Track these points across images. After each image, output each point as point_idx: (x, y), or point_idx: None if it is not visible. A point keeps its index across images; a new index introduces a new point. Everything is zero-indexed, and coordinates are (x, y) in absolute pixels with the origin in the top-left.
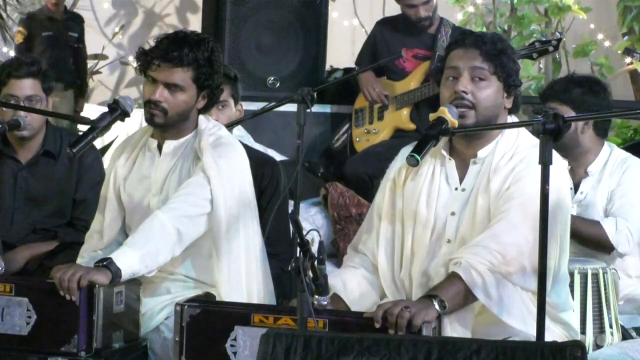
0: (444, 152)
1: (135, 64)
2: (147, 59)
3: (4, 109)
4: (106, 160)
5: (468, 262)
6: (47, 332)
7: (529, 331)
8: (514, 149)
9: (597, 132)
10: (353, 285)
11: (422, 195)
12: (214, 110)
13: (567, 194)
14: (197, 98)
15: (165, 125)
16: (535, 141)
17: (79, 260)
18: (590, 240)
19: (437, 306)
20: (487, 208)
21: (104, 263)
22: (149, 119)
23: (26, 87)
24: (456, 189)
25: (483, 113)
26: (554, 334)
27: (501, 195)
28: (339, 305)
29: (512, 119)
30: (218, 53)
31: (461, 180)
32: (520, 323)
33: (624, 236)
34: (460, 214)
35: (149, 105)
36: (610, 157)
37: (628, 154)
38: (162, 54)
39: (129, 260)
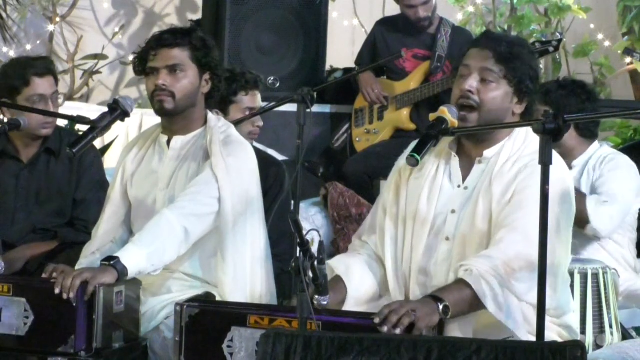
0: (450, 150)
1: (134, 68)
2: (143, 55)
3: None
4: (106, 160)
5: (479, 271)
6: (44, 332)
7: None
8: (518, 153)
9: (579, 132)
10: (355, 269)
11: (423, 191)
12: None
13: (570, 195)
14: (201, 81)
15: (176, 111)
16: None
17: (78, 265)
18: None
19: (440, 312)
20: (487, 210)
21: (111, 262)
22: (159, 107)
23: (49, 84)
24: (458, 186)
25: (486, 116)
26: (555, 338)
27: (505, 203)
28: (339, 285)
29: None
30: (211, 40)
31: (464, 178)
32: (528, 335)
33: (605, 215)
34: (461, 212)
35: (156, 94)
36: (595, 153)
37: (614, 152)
38: (156, 42)
39: (136, 259)
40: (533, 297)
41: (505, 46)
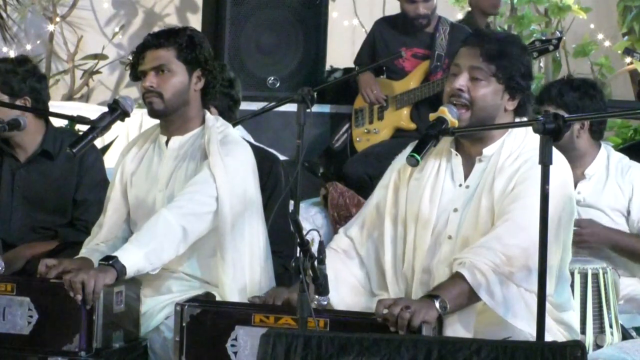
0: (451, 149)
1: (129, 74)
2: (135, 60)
3: None
4: (106, 160)
5: (472, 262)
6: (48, 331)
7: (533, 332)
8: (520, 149)
9: (592, 135)
10: (341, 282)
11: (425, 190)
12: None
13: (571, 193)
14: (191, 78)
15: (167, 111)
16: None
17: (80, 253)
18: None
19: (437, 306)
20: (490, 207)
21: (110, 262)
22: (150, 109)
23: None
24: (460, 185)
25: (479, 114)
26: (555, 335)
27: (506, 196)
28: None
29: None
30: (201, 35)
31: (466, 177)
32: (525, 324)
33: None
34: (463, 211)
35: (145, 96)
36: (609, 161)
37: (627, 159)
38: (142, 46)
39: (134, 258)
40: (531, 283)
41: (494, 44)
